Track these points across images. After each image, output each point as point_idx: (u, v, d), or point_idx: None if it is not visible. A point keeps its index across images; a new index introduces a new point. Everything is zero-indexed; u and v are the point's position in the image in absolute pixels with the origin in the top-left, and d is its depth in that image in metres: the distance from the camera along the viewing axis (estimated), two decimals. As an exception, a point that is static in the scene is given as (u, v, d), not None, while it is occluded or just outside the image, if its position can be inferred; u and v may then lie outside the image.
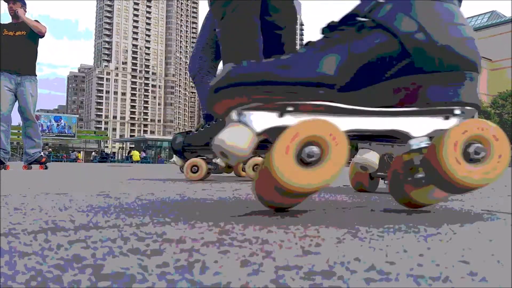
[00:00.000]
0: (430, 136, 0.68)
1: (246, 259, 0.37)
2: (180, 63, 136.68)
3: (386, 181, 1.23)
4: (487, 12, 44.75)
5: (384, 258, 0.38)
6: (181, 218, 0.61)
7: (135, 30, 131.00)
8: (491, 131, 0.64)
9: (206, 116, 2.09)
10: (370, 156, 1.08)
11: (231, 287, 0.28)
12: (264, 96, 0.63)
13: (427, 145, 0.67)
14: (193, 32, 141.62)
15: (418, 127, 0.68)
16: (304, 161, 0.59)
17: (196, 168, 1.83)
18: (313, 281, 0.30)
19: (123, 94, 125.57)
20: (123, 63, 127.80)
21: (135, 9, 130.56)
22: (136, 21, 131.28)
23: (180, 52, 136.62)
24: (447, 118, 0.68)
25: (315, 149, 0.60)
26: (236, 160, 0.64)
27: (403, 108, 0.67)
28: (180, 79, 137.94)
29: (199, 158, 1.88)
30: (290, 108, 0.64)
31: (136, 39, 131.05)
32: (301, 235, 0.49)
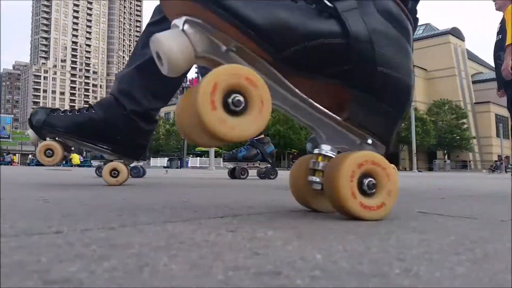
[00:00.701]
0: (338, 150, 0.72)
1: (195, 262, 0.37)
2: (123, 62, 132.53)
3: None
4: (422, 25, 47.70)
5: (328, 257, 0.40)
6: (127, 223, 0.60)
7: (75, 26, 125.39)
8: (382, 165, 0.68)
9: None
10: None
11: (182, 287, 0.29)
12: (224, 25, 0.60)
13: (332, 155, 0.70)
14: (137, 31, 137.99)
15: (334, 136, 0.70)
16: (232, 110, 0.57)
17: (50, 152, 1.63)
18: (261, 280, 0.32)
19: (62, 93, 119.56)
20: (62, 60, 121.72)
21: (75, 5, 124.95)
22: (76, 17, 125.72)
23: (123, 51, 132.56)
24: (361, 143, 0.72)
25: (239, 97, 0.57)
26: (167, 69, 0.60)
27: (328, 112, 0.69)
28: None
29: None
30: (234, 48, 0.62)
31: (76, 36, 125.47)
32: (250, 238, 0.50)
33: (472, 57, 42.11)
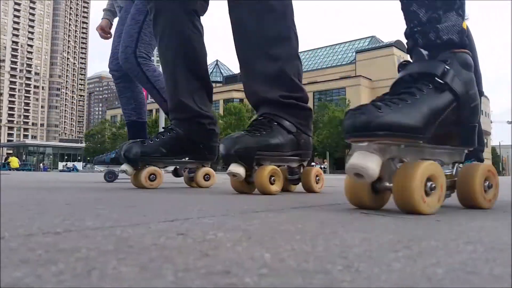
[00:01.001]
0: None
1: (145, 265, 0.37)
2: (67, 64, 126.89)
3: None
4: (368, 37, 49.89)
5: (275, 256, 0.42)
6: (72, 228, 0.58)
7: (16, 26, 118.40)
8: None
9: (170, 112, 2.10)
10: (367, 160, 0.84)
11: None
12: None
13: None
14: (83, 33, 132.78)
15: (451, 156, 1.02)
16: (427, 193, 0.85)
17: (153, 176, 1.89)
18: (211, 280, 0.32)
19: (0, 94, 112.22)
20: (1, 60, 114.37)
21: (16, 3, 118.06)
22: (18, 17, 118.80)
23: (68, 52, 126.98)
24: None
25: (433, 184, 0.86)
26: (369, 178, 0.84)
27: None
28: (67, 81, 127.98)
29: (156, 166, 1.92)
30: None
31: (17, 35, 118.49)
32: (200, 240, 0.51)
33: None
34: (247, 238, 0.52)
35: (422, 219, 0.78)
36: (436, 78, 0.94)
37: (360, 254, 0.43)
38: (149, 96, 2.89)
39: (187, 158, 2.02)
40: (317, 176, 1.73)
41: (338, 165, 36.03)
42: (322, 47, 52.38)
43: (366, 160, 0.83)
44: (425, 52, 1.01)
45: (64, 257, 0.39)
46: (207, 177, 2.05)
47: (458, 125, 0.98)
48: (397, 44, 41.91)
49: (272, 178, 1.47)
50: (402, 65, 1.03)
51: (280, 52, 1.68)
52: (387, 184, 0.91)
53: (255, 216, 0.79)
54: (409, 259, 0.41)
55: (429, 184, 0.84)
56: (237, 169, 1.46)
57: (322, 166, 26.46)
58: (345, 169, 0.87)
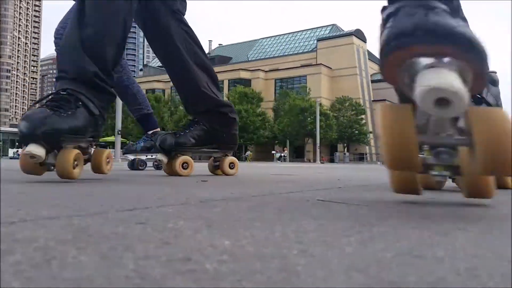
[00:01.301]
0: None
1: (105, 253, 0.38)
2: (18, 44, 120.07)
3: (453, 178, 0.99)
4: (329, 25, 50.50)
5: (235, 243, 0.43)
6: (27, 217, 0.57)
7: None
8: None
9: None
10: (450, 79, 0.59)
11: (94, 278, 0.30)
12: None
13: None
14: (35, 10, 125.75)
15: None
16: None
17: (186, 164, 2.04)
18: (172, 267, 0.33)
19: None
20: None
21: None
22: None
23: (19, 31, 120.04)
24: None
25: None
26: (459, 108, 0.58)
27: None
28: (18, 62, 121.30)
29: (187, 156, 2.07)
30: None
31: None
32: (160, 229, 0.51)
33: (372, 58, 45.77)
34: (207, 226, 0.53)
35: (375, 205, 0.82)
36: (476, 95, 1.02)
37: (315, 240, 0.46)
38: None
39: (213, 148, 2.18)
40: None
41: (298, 153, 36.62)
42: (284, 34, 52.53)
43: (453, 80, 0.58)
44: None
45: (21, 247, 0.38)
46: (232, 165, 2.21)
47: None
48: (356, 33, 42.75)
49: (76, 162, 1.42)
50: None
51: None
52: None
53: (215, 204, 0.80)
54: (361, 244, 0.44)
55: None
56: (38, 150, 1.33)
57: (282, 154, 26.77)
58: (422, 95, 0.58)
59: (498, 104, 1.32)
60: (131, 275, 0.31)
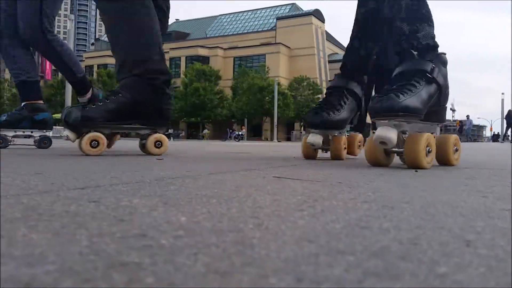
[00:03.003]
0: None
1: (58, 231, 0.37)
2: None
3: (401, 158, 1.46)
4: (289, 4, 50.34)
5: (191, 219, 0.43)
6: (-28, 197, 0.54)
7: None
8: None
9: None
10: (390, 133, 1.24)
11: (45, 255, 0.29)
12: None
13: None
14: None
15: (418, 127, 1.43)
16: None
17: (96, 142, 1.76)
18: (127, 243, 0.33)
19: None
20: None
21: None
22: None
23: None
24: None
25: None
26: (390, 146, 1.27)
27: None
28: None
29: (98, 132, 1.76)
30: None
31: None
32: (114, 207, 0.50)
33: (330, 39, 46.25)
34: (163, 204, 0.53)
35: (328, 181, 0.85)
36: (427, 74, 1.34)
37: (269, 214, 0.47)
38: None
39: (140, 124, 1.90)
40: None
41: (255, 132, 36.80)
42: (244, 11, 51.83)
43: (389, 133, 1.23)
44: (415, 53, 1.41)
45: (-35, 227, 0.37)
46: (158, 143, 1.92)
47: (438, 106, 1.41)
48: (315, 13, 42.97)
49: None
50: (398, 64, 1.43)
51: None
52: (395, 149, 1.34)
53: (171, 182, 0.79)
54: (313, 217, 0.46)
55: (427, 148, 1.27)
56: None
57: (240, 133, 26.82)
58: (373, 139, 1.26)
59: (446, 83, 1.42)
60: (85, 251, 0.31)
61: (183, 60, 40.45)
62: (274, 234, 0.37)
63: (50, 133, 2.74)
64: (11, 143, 2.60)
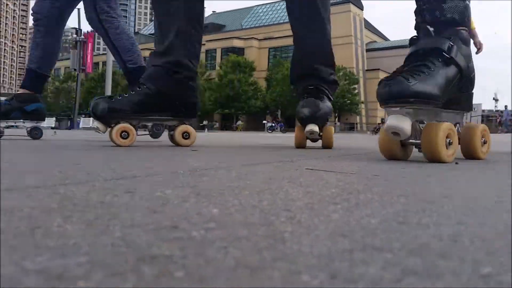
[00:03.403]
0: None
1: (91, 222, 0.37)
2: (7, 11, 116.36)
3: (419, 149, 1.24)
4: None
5: (223, 211, 0.43)
6: (12, 186, 0.57)
7: None
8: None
9: None
10: (402, 122, 1.07)
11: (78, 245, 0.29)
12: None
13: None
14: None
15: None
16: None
17: (126, 133, 1.79)
18: (159, 235, 0.33)
19: None
20: None
21: None
22: None
23: (7, 4, 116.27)
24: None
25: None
26: (403, 137, 1.10)
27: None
28: (6, 29, 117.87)
29: (128, 123, 1.81)
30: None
31: None
32: (148, 197, 0.51)
33: (368, 26, 45.10)
34: (195, 195, 0.53)
35: (363, 174, 0.82)
36: (443, 53, 1.15)
37: (302, 207, 0.46)
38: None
39: (167, 115, 1.94)
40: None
41: (289, 124, 36.62)
42: (280, 1, 51.38)
43: (401, 122, 1.06)
44: (431, 29, 1.21)
45: (5, 216, 0.38)
46: (186, 135, 1.94)
47: (460, 92, 1.22)
48: (354, 0, 41.96)
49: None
50: (413, 40, 1.22)
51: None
52: (412, 140, 1.18)
53: (204, 173, 0.80)
54: (347, 211, 0.44)
55: (447, 140, 1.11)
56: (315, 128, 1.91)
57: (274, 124, 26.76)
58: (384, 129, 1.12)
59: (469, 66, 1.21)
60: (117, 243, 0.31)
61: (218, 52, 40.68)
62: (307, 228, 0.36)
63: (42, 124, 2.81)
64: (2, 134, 2.63)
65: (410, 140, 1.19)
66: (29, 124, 2.69)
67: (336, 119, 36.60)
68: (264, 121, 29.19)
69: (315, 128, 1.89)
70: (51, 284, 0.22)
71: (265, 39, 41.85)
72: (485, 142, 1.29)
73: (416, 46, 1.19)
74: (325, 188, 0.62)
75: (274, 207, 0.46)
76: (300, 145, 1.98)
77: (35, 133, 2.70)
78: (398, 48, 39.18)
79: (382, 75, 42.86)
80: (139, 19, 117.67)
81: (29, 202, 0.45)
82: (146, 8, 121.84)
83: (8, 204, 0.44)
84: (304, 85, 2.05)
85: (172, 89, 1.88)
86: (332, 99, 2.09)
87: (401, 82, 1.05)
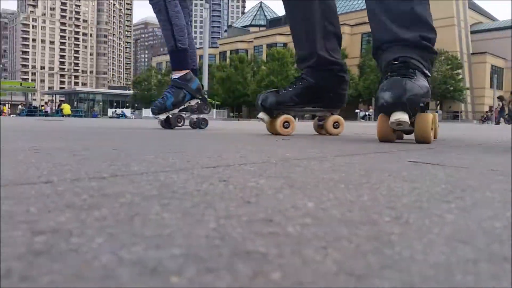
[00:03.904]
0: None
1: (187, 210, 0.37)
2: (114, 10, 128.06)
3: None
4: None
5: (318, 205, 0.40)
6: (118, 173, 0.60)
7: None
8: None
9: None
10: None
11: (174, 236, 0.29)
12: None
13: None
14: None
15: None
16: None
17: (287, 123, 2.00)
18: (253, 228, 0.32)
19: (52, 42, 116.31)
20: (51, 8, 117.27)
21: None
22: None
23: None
24: None
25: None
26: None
27: None
28: (114, 28, 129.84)
29: (289, 115, 2.02)
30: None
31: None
32: (242, 187, 0.50)
33: (473, 6, 41.07)
34: (289, 186, 0.51)
35: (476, 168, 0.73)
36: None
37: (409, 205, 0.41)
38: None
39: (319, 106, 2.12)
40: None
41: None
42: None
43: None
44: None
45: (108, 202, 0.39)
46: (336, 124, 2.12)
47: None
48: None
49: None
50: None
51: None
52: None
53: (297, 163, 0.77)
54: (463, 211, 0.39)
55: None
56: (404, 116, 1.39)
57: (367, 113, 25.77)
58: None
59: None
60: (212, 234, 0.30)
61: (309, 40, 40.16)
62: (417, 231, 0.32)
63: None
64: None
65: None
66: (194, 102, 2.80)
67: (438, 107, 34.04)
68: (356, 110, 28.27)
69: (403, 117, 1.38)
70: (145, 277, 0.21)
71: (357, 24, 40.26)
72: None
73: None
74: (433, 184, 0.55)
75: (375, 204, 0.42)
76: (386, 139, 1.53)
77: (204, 111, 2.83)
78: (508, 29, 35.09)
79: (490, 59, 38.86)
80: (232, 12, 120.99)
81: (132, 189, 0.47)
82: (238, 1, 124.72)
83: (113, 191, 0.46)
84: (387, 60, 1.57)
85: (328, 82, 2.08)
86: (429, 74, 1.56)
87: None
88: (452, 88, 32.12)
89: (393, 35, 1.59)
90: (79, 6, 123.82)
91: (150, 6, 2.79)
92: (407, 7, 1.58)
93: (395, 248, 0.27)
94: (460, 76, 33.09)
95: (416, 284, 0.22)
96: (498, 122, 17.38)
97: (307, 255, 0.26)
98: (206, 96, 2.98)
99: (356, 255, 0.26)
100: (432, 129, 1.48)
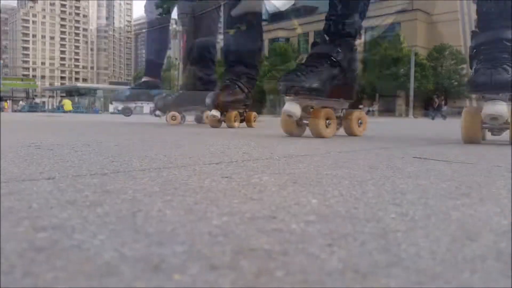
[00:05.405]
0: None
1: (190, 207, 0.37)
2: (113, 5, 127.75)
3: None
4: (426, -34, 45.63)
5: (323, 202, 0.40)
6: (120, 169, 0.59)
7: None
8: None
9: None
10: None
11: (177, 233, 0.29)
12: None
13: None
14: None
15: None
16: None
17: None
18: (256, 225, 0.31)
19: (52, 38, 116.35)
20: (50, 4, 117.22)
21: None
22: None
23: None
24: None
25: None
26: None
27: None
28: (114, 23, 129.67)
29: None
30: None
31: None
32: (245, 183, 0.50)
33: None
34: (292, 183, 0.51)
35: (482, 164, 0.72)
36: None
37: (414, 201, 0.41)
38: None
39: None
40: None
41: (387, 107, 34.78)
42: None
43: (294, 108, 1.45)
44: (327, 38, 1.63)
45: (110, 199, 0.39)
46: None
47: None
48: (460, -28, 38.05)
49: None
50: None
51: None
52: (304, 121, 1.53)
53: (300, 159, 0.77)
54: (470, 208, 0.38)
55: (327, 121, 1.47)
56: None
57: (371, 109, 25.68)
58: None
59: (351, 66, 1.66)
60: (215, 231, 0.30)
61: (311, 35, 40.04)
62: (423, 228, 0.31)
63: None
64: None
65: (303, 121, 1.53)
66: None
67: (443, 102, 33.85)
68: (360, 106, 28.12)
69: (501, 108, 1.08)
70: (147, 274, 0.21)
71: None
72: (361, 123, 1.66)
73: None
74: (438, 180, 0.55)
75: (380, 200, 0.41)
76: (473, 139, 1.23)
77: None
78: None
79: (496, 53, 38.57)
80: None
81: (134, 185, 0.47)
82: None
83: (115, 187, 0.45)
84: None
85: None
86: None
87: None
88: (456, 83, 31.92)
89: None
90: (78, 1, 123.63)
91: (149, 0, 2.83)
92: None
93: (401, 245, 0.27)
94: (465, 71, 32.87)
95: (422, 282, 0.21)
96: None
97: (312, 252, 0.25)
98: None
99: (362, 253, 0.25)
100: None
